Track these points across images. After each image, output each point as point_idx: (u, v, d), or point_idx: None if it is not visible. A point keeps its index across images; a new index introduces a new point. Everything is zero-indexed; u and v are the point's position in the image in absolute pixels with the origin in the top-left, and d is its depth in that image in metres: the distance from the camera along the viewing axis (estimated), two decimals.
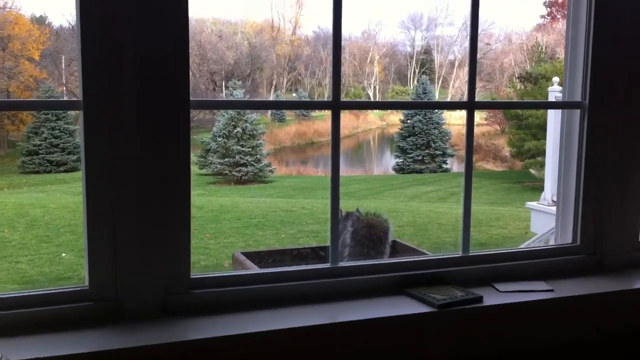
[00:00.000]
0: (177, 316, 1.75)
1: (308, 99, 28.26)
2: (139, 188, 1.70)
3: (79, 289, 1.71)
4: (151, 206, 1.72)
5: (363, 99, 33.03)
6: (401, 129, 24.50)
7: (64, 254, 8.80)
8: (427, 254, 3.24)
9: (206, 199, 14.62)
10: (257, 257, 3.67)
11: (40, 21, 25.20)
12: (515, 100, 19.11)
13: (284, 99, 25.39)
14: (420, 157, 23.51)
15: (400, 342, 1.90)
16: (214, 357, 1.69)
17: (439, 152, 23.68)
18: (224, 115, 20.28)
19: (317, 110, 29.33)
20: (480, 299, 1.99)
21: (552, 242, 2.48)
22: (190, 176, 1.79)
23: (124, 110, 1.66)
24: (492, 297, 2.02)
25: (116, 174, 1.68)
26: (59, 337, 1.62)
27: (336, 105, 2.00)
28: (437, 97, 30.13)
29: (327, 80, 31.09)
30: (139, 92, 1.67)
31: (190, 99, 1.75)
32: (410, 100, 23.30)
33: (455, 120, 26.58)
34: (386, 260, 2.17)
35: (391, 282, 2.05)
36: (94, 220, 1.69)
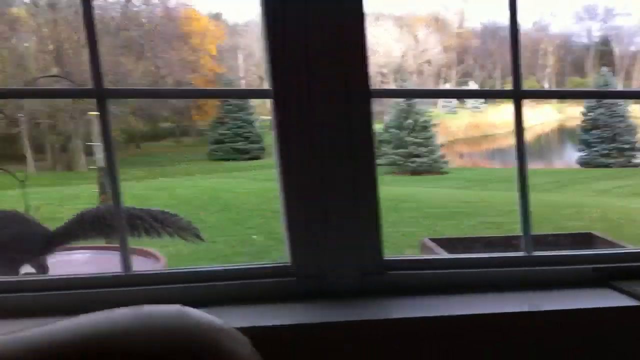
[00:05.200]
0: (373, 295, 1.79)
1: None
2: (333, 173, 1.75)
3: (281, 264, 1.81)
4: (344, 189, 1.77)
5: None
6: (583, 122, 23.20)
7: (254, 236, 9.26)
8: (627, 247, 3.04)
9: (383, 189, 14.68)
10: (447, 243, 3.63)
11: (216, 17, 26.56)
12: None
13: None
14: (606, 151, 22.13)
15: (605, 336, 1.81)
16: (411, 336, 1.71)
17: (627, 147, 22.15)
18: (395, 108, 20.37)
19: (490, 101, 28.50)
20: None
21: None
22: (376, 162, 1.82)
23: (310, 99, 1.72)
24: None
25: (308, 159, 1.74)
26: (262, 309, 1.71)
27: (517, 94, 1.94)
28: (620, 89, 28.17)
29: (497, 73, 30.15)
30: (323, 82, 1.72)
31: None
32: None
33: None
34: (586, 251, 2.07)
35: (592, 274, 1.95)
36: (292, 203, 1.77)
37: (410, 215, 10.91)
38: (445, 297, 1.81)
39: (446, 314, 1.68)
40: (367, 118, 1.78)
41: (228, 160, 20.13)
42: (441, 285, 1.87)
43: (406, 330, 1.68)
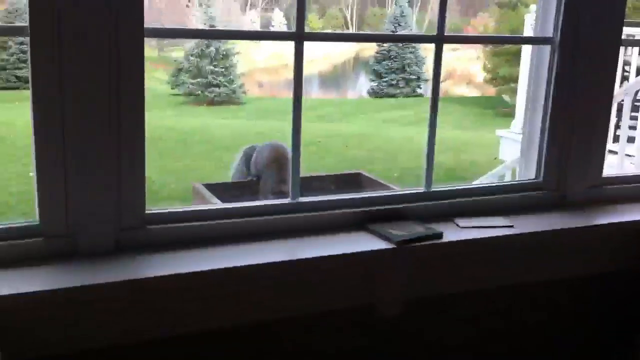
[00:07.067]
0: (131, 252, 1.70)
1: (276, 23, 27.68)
2: (89, 112, 1.60)
3: (28, 224, 1.65)
4: (102, 132, 1.62)
5: (340, 21, 32.53)
6: (377, 52, 24.02)
7: (31, 174, 8.64)
8: (392, 188, 3.19)
9: (176, 120, 14.46)
10: (221, 189, 3.59)
11: None
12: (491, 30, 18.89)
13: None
14: (395, 82, 23.21)
15: (358, 279, 1.90)
16: (168, 295, 1.67)
17: (413, 77, 23.38)
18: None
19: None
20: (440, 235, 1.98)
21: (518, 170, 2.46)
22: (144, 98, 1.69)
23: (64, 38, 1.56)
24: (452, 233, 2.01)
25: (65, 98, 1.58)
26: (8, 274, 1.56)
27: (299, 36, 1.91)
28: (414, 20, 29.55)
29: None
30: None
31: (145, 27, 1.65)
32: (386, 23, 22.97)
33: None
34: (349, 195, 2.14)
35: (353, 218, 2.02)
36: (42, 149, 1.61)
37: (201, 149, 10.89)
38: (208, 250, 1.77)
39: (200, 269, 1.66)
40: (138, 56, 1.66)
41: (7, 89, 18.39)
42: (207, 237, 1.82)
43: (157, 288, 1.64)
